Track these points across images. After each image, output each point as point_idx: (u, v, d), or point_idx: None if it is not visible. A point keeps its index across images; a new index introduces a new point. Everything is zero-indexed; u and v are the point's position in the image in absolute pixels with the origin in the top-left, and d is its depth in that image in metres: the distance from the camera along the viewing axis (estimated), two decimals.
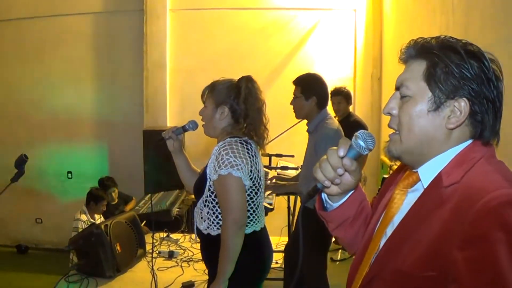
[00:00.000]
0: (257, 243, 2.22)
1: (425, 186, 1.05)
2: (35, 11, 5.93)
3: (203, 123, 2.25)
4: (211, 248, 2.14)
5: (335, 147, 1.08)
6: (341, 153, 1.06)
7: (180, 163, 2.36)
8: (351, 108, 4.58)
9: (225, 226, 2.04)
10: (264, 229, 2.28)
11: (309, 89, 3.03)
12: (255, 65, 5.44)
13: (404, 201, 1.11)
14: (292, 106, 3.11)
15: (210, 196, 2.14)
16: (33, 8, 5.93)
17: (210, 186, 2.13)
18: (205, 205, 2.17)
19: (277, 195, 3.64)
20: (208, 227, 2.16)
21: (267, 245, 2.31)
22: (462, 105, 0.99)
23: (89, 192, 4.90)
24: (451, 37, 1.05)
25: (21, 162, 2.49)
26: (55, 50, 6.00)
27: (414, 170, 1.09)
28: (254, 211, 2.18)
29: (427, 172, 1.05)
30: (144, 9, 5.64)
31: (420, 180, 1.07)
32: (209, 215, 2.15)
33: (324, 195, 1.22)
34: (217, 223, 2.13)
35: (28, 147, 5.53)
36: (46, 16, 5.93)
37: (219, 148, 2.09)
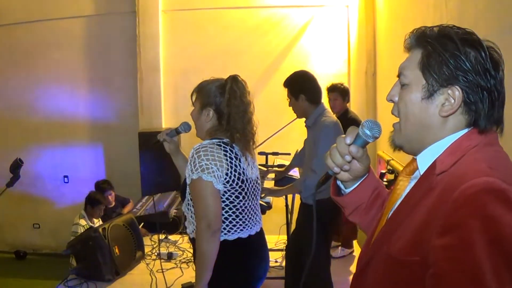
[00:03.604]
0: (242, 251, 2.12)
1: (421, 173, 1.05)
2: (27, 15, 5.91)
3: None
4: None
5: (343, 135, 1.14)
6: (348, 140, 1.12)
7: (180, 163, 2.32)
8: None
9: (198, 231, 1.99)
10: (254, 236, 2.15)
11: (295, 88, 3.04)
12: (249, 64, 5.45)
13: (406, 187, 1.13)
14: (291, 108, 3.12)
15: (190, 199, 2.08)
16: (25, 13, 5.91)
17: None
18: (188, 209, 2.12)
19: None
20: (193, 231, 2.09)
21: (256, 253, 2.18)
22: (456, 94, 0.99)
23: (87, 196, 4.88)
24: (454, 26, 1.04)
25: (16, 166, 2.48)
26: (48, 54, 5.98)
27: (415, 157, 1.11)
28: (237, 216, 2.08)
29: (424, 160, 1.06)
30: (136, 11, 5.63)
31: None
32: (192, 219, 2.08)
33: (339, 182, 1.27)
34: None
35: (23, 152, 5.49)
36: (38, 20, 5.91)
37: (194, 151, 2.01)
